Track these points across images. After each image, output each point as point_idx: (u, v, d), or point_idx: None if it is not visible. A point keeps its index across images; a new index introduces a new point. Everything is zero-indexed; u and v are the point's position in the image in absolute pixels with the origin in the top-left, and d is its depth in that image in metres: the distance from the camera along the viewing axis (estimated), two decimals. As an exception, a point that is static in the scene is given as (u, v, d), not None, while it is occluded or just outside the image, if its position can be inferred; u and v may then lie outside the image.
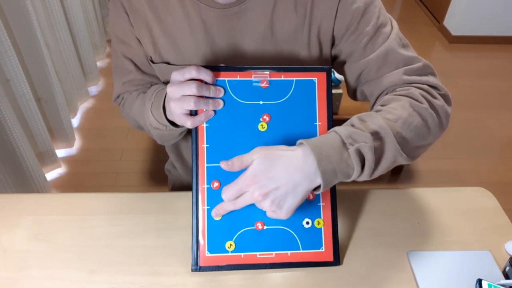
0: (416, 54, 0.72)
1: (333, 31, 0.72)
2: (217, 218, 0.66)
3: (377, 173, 0.62)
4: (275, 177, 0.57)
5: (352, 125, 0.62)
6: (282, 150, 0.60)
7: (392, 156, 0.62)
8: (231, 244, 0.67)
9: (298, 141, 0.61)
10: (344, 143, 0.59)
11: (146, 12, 0.71)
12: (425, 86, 0.69)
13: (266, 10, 0.69)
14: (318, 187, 0.60)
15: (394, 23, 0.73)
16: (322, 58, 0.75)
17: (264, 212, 0.61)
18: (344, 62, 0.75)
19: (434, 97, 0.68)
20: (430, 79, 0.70)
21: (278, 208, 0.58)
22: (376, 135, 0.60)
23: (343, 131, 0.60)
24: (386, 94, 0.72)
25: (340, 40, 0.73)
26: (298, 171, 0.58)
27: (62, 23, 1.94)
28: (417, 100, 0.66)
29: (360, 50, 0.71)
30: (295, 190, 0.58)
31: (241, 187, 0.59)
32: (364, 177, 0.61)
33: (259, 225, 0.67)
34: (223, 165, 0.61)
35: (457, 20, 3.03)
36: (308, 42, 0.73)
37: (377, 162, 0.61)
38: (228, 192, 0.60)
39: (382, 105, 0.67)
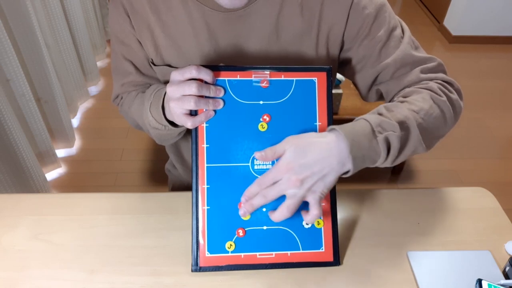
0: (428, 54, 0.75)
1: (343, 36, 0.72)
2: (246, 218, 0.66)
3: (398, 161, 0.65)
4: (308, 164, 0.59)
5: (380, 114, 0.64)
6: (313, 138, 0.61)
7: (413, 146, 0.64)
8: (231, 244, 0.67)
9: (330, 127, 0.63)
10: (373, 131, 0.61)
11: (147, 14, 0.71)
12: (441, 81, 0.72)
13: (272, 14, 0.69)
14: (346, 172, 0.61)
15: (404, 25, 0.75)
16: (328, 60, 0.76)
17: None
18: (356, 68, 0.76)
19: (451, 92, 0.71)
20: (444, 76, 0.74)
21: (311, 192, 0.60)
22: (402, 125, 0.63)
23: (373, 119, 0.62)
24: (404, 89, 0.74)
25: (351, 45, 0.73)
26: (331, 156, 0.60)
27: (62, 23, 1.94)
28: (436, 93, 0.69)
29: (375, 55, 0.72)
30: (327, 175, 0.60)
31: (275, 175, 0.60)
32: (387, 163, 0.64)
33: (240, 232, 0.67)
34: (257, 155, 0.63)
35: (457, 20, 3.03)
36: (316, 46, 0.73)
37: (401, 150, 0.63)
38: (261, 180, 0.61)
39: (404, 97, 0.70)
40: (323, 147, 0.60)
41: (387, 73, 0.73)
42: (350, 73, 0.79)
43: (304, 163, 0.59)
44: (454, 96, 0.71)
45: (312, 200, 0.60)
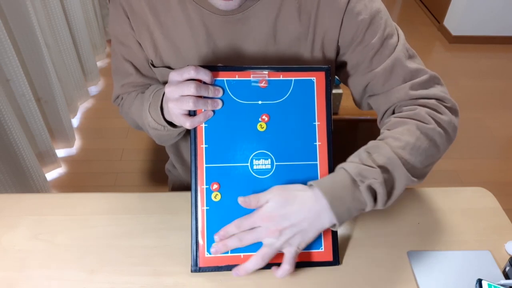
0: (422, 65, 0.72)
1: (338, 42, 0.72)
2: (218, 253, 0.66)
3: (391, 202, 0.64)
4: (289, 216, 0.60)
5: (360, 159, 0.63)
6: (298, 191, 0.62)
7: (403, 185, 0.63)
8: None
9: (309, 183, 0.63)
10: (354, 181, 0.60)
11: (147, 16, 0.71)
12: (431, 102, 0.69)
13: (269, 18, 0.69)
14: (333, 225, 0.62)
15: (401, 32, 0.73)
16: (325, 64, 0.75)
17: None
18: (349, 73, 0.75)
19: (441, 113, 0.68)
20: (437, 91, 0.70)
21: (288, 244, 0.61)
22: (384, 169, 0.62)
23: (352, 169, 0.61)
24: (393, 110, 0.72)
25: (346, 50, 0.72)
26: (312, 211, 0.60)
27: (62, 23, 1.94)
28: (423, 122, 0.66)
29: (366, 62, 0.71)
30: (307, 231, 0.61)
31: (254, 221, 0.61)
32: (379, 207, 0.63)
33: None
34: (240, 200, 0.64)
35: (457, 20, 3.03)
36: (312, 50, 0.72)
37: (389, 193, 0.62)
38: (240, 223, 0.62)
39: (388, 129, 0.68)
40: (305, 201, 0.61)
41: (377, 83, 0.71)
42: (343, 78, 0.78)
43: (284, 214, 0.60)
44: (445, 117, 0.68)
45: (287, 253, 0.61)
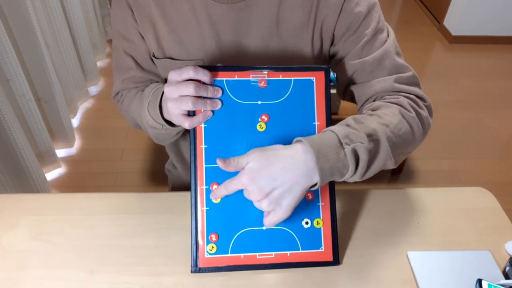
0: (407, 64, 0.75)
1: (334, 29, 0.73)
2: (216, 201, 0.66)
3: (367, 175, 0.63)
4: (273, 176, 0.57)
5: (348, 125, 0.63)
6: (278, 150, 0.60)
7: (383, 159, 0.63)
8: (212, 247, 0.66)
9: (295, 139, 0.61)
10: (340, 143, 0.60)
11: (151, 7, 0.72)
12: (412, 96, 0.71)
13: (273, 6, 0.70)
14: (313, 185, 0.60)
15: (391, 31, 0.76)
16: (321, 55, 0.76)
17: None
18: (338, 61, 0.76)
19: (420, 108, 0.71)
20: (417, 90, 0.73)
21: (277, 206, 0.58)
22: (370, 137, 0.61)
23: (340, 131, 0.61)
24: (375, 99, 0.73)
25: (340, 39, 0.74)
26: (296, 168, 0.58)
27: (62, 23, 1.94)
28: (405, 109, 0.68)
29: (357, 50, 0.72)
30: (293, 188, 0.58)
31: (239, 185, 0.59)
32: (356, 178, 0.62)
33: (213, 237, 0.66)
34: (219, 162, 0.61)
35: (457, 20, 3.03)
36: (312, 38, 0.73)
37: (370, 163, 0.62)
38: (228, 186, 0.60)
39: (372, 110, 0.69)
40: (288, 159, 0.58)
41: (364, 71, 0.73)
42: (332, 66, 0.79)
43: (267, 174, 0.57)
44: (424, 112, 0.70)
45: (272, 216, 0.58)
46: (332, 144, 0.59)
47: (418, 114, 0.69)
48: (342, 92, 0.80)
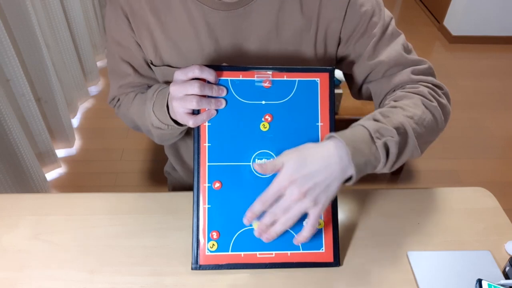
0: (420, 57, 0.76)
1: (340, 33, 0.73)
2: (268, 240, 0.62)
3: (396, 166, 0.65)
4: (311, 174, 0.58)
5: (376, 120, 0.64)
6: (312, 148, 0.61)
7: (410, 151, 0.65)
8: (213, 244, 0.67)
9: (328, 134, 0.62)
10: (372, 137, 0.61)
11: (147, 16, 0.71)
12: (430, 85, 0.72)
13: (272, 12, 0.69)
14: (348, 179, 0.61)
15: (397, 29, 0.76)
16: (326, 57, 0.76)
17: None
18: (352, 63, 0.76)
19: (440, 96, 0.72)
20: (434, 79, 0.74)
21: (316, 203, 0.59)
22: (399, 130, 0.63)
23: (371, 126, 0.62)
24: (395, 90, 0.74)
25: (347, 41, 0.74)
26: (333, 164, 0.59)
27: (62, 23, 1.94)
28: (427, 98, 0.69)
29: (369, 50, 0.73)
30: (331, 184, 0.59)
31: (278, 189, 0.58)
32: (386, 169, 0.64)
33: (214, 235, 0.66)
34: (256, 166, 0.62)
35: (457, 20, 3.03)
36: (315, 43, 0.73)
37: (399, 155, 0.63)
38: (264, 197, 0.59)
39: (394, 101, 0.70)
40: (324, 155, 0.59)
41: (380, 70, 0.73)
42: (345, 69, 0.79)
43: (306, 173, 0.58)
44: (444, 100, 0.71)
45: (312, 215, 0.59)
46: (364, 139, 0.61)
47: (439, 103, 0.70)
48: (357, 91, 0.81)
